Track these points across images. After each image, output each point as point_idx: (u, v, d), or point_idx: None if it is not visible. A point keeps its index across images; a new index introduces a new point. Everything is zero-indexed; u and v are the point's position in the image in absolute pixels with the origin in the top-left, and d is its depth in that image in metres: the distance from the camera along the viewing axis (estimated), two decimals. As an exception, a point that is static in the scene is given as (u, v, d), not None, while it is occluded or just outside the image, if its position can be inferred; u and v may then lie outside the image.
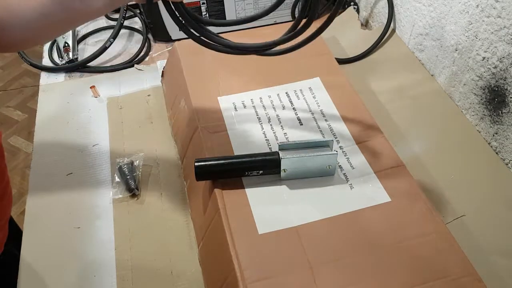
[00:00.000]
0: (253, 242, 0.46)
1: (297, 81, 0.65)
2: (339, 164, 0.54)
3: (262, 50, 0.51)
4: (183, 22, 0.48)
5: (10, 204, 0.67)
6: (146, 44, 0.90)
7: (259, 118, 0.60)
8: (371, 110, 0.61)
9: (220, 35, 0.51)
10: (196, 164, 0.51)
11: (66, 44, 0.88)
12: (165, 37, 0.90)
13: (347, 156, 0.55)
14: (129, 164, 0.65)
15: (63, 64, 0.85)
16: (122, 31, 0.92)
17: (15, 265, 0.59)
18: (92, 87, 0.79)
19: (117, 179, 0.64)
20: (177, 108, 0.68)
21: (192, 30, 0.49)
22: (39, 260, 0.57)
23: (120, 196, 0.62)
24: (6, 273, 0.70)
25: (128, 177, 0.63)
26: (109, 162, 0.68)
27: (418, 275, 0.44)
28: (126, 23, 0.94)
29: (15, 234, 0.77)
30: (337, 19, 0.94)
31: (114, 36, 0.87)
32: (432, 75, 0.77)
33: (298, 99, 0.63)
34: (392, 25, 0.85)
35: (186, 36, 0.50)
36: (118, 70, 0.85)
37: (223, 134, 0.58)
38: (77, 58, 0.87)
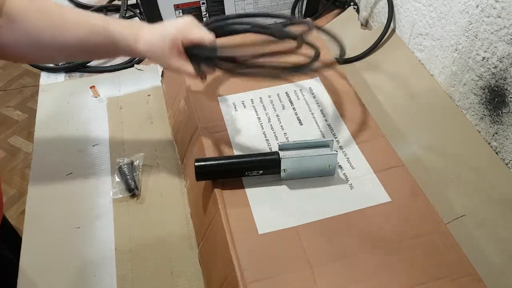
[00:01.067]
0: (253, 242, 0.46)
1: (297, 81, 0.65)
2: (339, 164, 0.54)
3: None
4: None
5: (1, 208, 0.67)
6: (146, 44, 0.90)
7: (259, 118, 0.60)
8: (371, 110, 0.61)
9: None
10: (196, 164, 0.51)
11: (66, 44, 0.88)
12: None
13: (347, 156, 0.55)
14: (129, 164, 0.65)
15: (63, 64, 0.85)
16: (122, 31, 0.92)
17: (10, 268, 0.59)
18: (92, 87, 0.79)
19: (117, 179, 0.64)
20: (177, 108, 0.68)
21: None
22: (39, 260, 0.57)
23: (120, 196, 0.62)
24: (1, 275, 0.70)
25: (128, 177, 0.63)
26: (109, 162, 0.68)
27: (418, 275, 0.44)
28: (126, 23, 0.93)
29: (10, 236, 0.77)
30: (337, 19, 0.95)
31: (114, 36, 0.87)
32: (432, 75, 0.77)
33: (298, 99, 0.63)
34: (392, 25, 0.85)
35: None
36: (118, 70, 0.85)
37: (223, 134, 0.58)
38: (77, 58, 0.87)
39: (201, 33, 0.51)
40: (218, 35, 0.52)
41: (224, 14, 0.88)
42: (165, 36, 0.51)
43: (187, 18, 0.52)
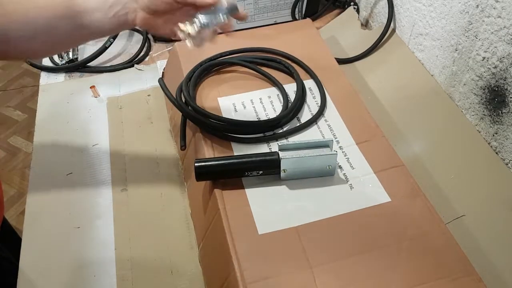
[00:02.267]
0: (253, 242, 0.46)
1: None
2: (339, 164, 0.54)
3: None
4: None
5: (2, 209, 0.67)
6: (146, 44, 0.90)
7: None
8: (371, 110, 0.61)
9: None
10: (196, 164, 0.51)
11: (66, 44, 0.88)
12: (165, 37, 0.90)
13: (347, 156, 0.55)
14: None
15: (63, 64, 0.85)
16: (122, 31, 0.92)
17: (10, 268, 0.59)
18: (92, 87, 0.79)
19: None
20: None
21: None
22: (39, 260, 0.57)
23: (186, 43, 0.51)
24: (1, 276, 0.70)
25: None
26: (109, 162, 0.68)
27: (418, 275, 0.44)
28: (126, 23, 0.93)
29: (10, 237, 0.77)
30: (337, 19, 0.95)
31: (114, 36, 0.87)
32: (432, 75, 0.77)
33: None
34: (392, 25, 0.85)
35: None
36: (118, 70, 0.85)
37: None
38: (77, 58, 0.87)
39: None
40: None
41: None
42: None
43: None
